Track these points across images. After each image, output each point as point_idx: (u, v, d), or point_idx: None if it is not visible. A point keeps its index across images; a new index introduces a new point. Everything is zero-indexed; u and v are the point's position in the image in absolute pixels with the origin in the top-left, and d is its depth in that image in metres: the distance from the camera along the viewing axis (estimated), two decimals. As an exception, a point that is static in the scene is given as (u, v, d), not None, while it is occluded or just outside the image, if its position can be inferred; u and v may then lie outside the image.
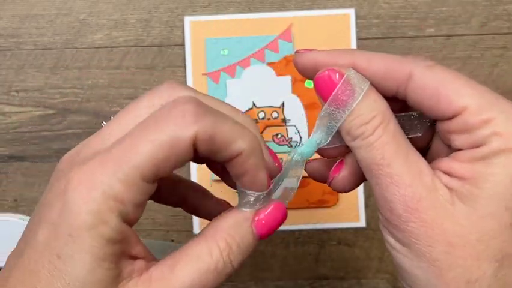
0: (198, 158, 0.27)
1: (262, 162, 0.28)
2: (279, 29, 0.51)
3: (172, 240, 0.52)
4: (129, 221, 0.26)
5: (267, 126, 0.51)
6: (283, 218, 0.29)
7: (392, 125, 0.28)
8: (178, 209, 0.35)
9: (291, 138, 0.51)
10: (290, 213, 0.51)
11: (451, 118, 0.27)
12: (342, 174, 0.31)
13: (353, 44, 0.51)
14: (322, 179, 0.33)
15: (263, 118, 0.50)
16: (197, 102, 0.26)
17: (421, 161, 0.27)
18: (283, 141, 0.51)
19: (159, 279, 0.26)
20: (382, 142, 0.27)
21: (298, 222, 0.51)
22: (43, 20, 0.51)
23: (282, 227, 0.51)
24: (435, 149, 0.31)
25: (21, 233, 0.28)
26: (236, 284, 0.52)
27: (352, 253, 0.52)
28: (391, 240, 0.28)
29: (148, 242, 0.30)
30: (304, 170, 0.34)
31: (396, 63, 0.28)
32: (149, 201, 0.28)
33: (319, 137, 0.30)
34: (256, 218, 0.28)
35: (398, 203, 0.26)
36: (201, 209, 0.34)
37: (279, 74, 0.51)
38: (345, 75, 0.28)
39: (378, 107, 0.28)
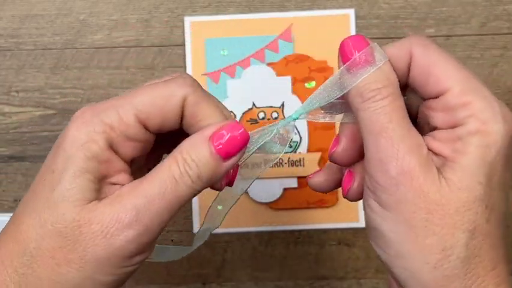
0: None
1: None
2: (279, 29, 0.51)
3: (172, 240, 0.52)
4: (117, 151, 0.30)
5: (267, 127, 0.51)
6: (244, 138, 0.31)
7: (400, 100, 0.29)
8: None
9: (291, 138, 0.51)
10: (290, 213, 0.52)
11: (435, 97, 0.30)
12: (355, 184, 0.33)
13: (353, 44, 0.51)
14: (325, 190, 0.35)
15: (263, 118, 0.51)
16: (194, 79, 0.32)
17: (420, 137, 0.29)
18: (283, 141, 0.51)
19: (127, 192, 0.29)
20: (391, 108, 0.29)
21: (298, 222, 0.51)
22: (43, 20, 0.52)
23: (282, 227, 0.51)
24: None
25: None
26: (236, 284, 0.52)
27: (352, 253, 0.52)
28: (373, 203, 0.29)
29: None
30: (308, 184, 0.35)
31: (398, 47, 0.31)
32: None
33: (318, 100, 0.31)
34: (215, 138, 0.30)
35: (393, 165, 0.28)
36: None
37: (279, 74, 0.51)
38: (370, 44, 0.30)
39: (393, 78, 0.29)
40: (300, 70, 0.51)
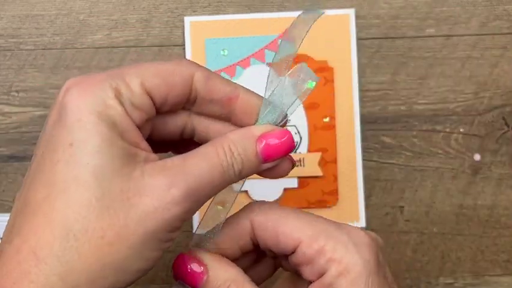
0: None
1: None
2: (279, 29, 0.51)
3: (172, 240, 0.52)
4: (131, 118, 0.28)
5: (267, 126, 0.51)
6: (289, 147, 0.31)
7: (247, 284, 0.30)
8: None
9: (291, 138, 0.51)
10: (290, 213, 0.52)
11: (293, 252, 0.30)
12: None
13: (353, 44, 0.51)
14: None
15: (263, 118, 0.50)
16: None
17: None
18: (283, 141, 0.51)
19: (173, 167, 0.28)
20: None
21: (298, 222, 0.51)
22: (43, 20, 0.52)
23: (282, 227, 0.51)
24: None
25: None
26: (236, 284, 0.52)
27: (352, 253, 0.52)
28: None
29: None
30: None
31: (235, 226, 0.32)
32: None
33: None
34: (263, 140, 0.30)
35: None
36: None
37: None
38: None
39: (229, 275, 0.30)
40: (300, 70, 0.51)
